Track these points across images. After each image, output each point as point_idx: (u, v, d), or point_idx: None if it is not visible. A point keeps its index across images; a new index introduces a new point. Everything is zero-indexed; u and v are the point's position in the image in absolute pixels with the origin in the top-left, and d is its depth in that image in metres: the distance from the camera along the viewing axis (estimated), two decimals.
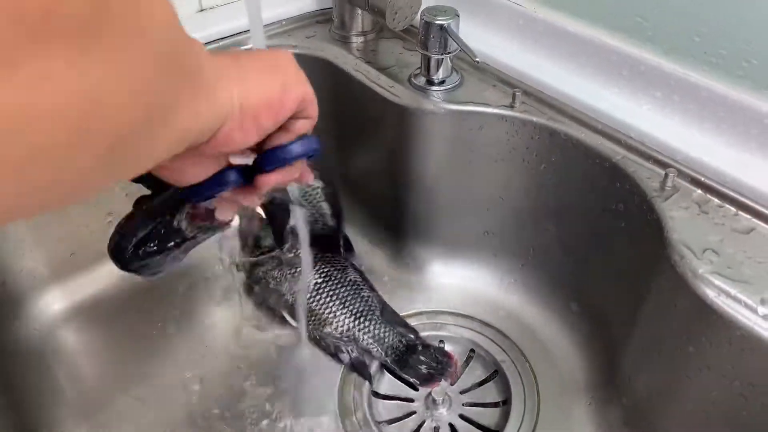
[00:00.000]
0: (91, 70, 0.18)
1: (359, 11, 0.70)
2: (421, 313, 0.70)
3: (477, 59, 0.56)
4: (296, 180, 0.38)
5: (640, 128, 0.55)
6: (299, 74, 0.34)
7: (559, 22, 0.61)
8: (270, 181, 0.34)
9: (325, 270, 0.67)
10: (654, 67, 0.55)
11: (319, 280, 0.66)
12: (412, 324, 0.67)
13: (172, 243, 0.39)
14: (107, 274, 0.68)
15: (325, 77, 0.71)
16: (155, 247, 0.39)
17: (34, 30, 0.16)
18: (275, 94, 0.31)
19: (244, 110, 0.29)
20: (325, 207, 0.63)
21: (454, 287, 0.72)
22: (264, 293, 0.67)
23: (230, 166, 0.33)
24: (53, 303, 0.66)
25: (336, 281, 0.66)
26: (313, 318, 0.65)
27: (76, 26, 0.17)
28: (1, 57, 0.16)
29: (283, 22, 0.74)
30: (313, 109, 0.35)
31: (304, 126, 0.35)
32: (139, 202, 0.39)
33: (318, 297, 0.65)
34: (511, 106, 0.61)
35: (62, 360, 0.63)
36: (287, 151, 0.34)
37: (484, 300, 0.70)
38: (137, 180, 0.37)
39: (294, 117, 0.34)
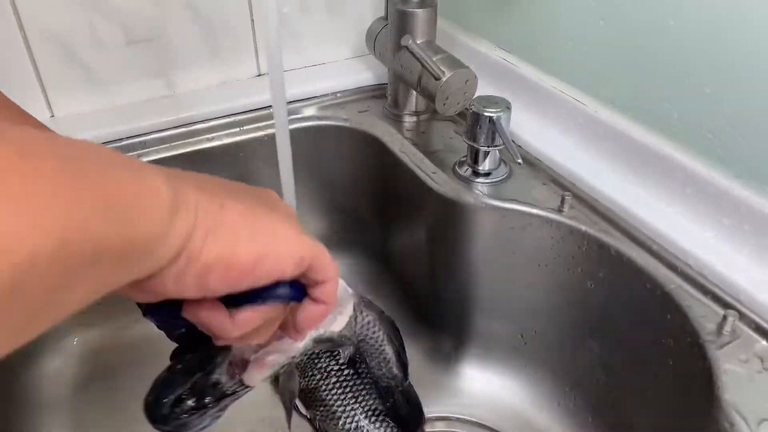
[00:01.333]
0: None
1: (413, 91, 0.67)
2: (446, 419, 0.64)
3: (519, 161, 0.52)
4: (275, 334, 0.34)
5: (700, 257, 0.48)
6: (297, 241, 0.30)
7: (621, 125, 0.55)
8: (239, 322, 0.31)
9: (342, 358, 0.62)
10: (723, 191, 0.48)
11: (336, 368, 0.62)
12: (434, 430, 0.61)
13: (211, 399, 0.37)
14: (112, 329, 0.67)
15: (372, 153, 0.69)
16: (193, 404, 0.36)
17: None
18: (242, 260, 0.27)
19: (191, 262, 0.25)
20: (389, 351, 0.50)
21: (486, 395, 0.66)
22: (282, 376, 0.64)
23: None
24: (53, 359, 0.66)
25: (354, 373, 0.62)
26: (322, 408, 0.61)
27: None
28: None
29: (338, 94, 0.73)
30: (325, 273, 0.31)
31: (322, 294, 0.32)
32: (175, 355, 0.37)
33: (332, 387, 0.61)
34: (560, 210, 0.56)
35: (60, 410, 0.62)
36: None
37: (515, 415, 0.64)
38: (175, 340, 0.35)
39: (308, 282, 0.32)
